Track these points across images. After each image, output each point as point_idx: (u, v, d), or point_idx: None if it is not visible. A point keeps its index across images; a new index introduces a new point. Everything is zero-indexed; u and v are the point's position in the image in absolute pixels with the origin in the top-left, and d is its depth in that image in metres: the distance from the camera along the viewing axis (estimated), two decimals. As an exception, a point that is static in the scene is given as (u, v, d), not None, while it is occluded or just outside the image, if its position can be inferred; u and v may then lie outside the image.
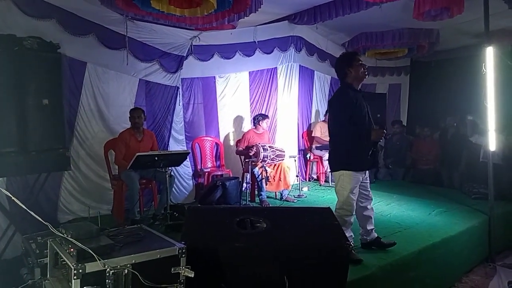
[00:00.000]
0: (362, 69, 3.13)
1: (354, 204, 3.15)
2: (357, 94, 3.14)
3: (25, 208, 1.82)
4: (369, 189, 3.33)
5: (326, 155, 6.34)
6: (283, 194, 5.31)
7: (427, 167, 6.74)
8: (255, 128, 5.45)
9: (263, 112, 5.93)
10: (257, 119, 5.41)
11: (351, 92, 3.12)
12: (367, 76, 3.22)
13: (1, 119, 2.99)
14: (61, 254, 1.93)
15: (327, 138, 6.43)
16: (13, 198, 1.81)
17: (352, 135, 3.06)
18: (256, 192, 5.23)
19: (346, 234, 3.09)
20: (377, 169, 6.86)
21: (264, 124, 5.41)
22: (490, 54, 4.17)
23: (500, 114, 4.28)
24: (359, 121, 3.07)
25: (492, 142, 4.27)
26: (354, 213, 3.19)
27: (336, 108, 3.16)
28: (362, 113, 3.09)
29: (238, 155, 5.50)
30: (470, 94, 5.77)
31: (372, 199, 3.37)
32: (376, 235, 3.35)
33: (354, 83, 3.17)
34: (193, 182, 5.50)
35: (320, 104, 7.24)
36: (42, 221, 1.86)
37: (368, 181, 3.31)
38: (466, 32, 6.13)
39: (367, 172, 3.27)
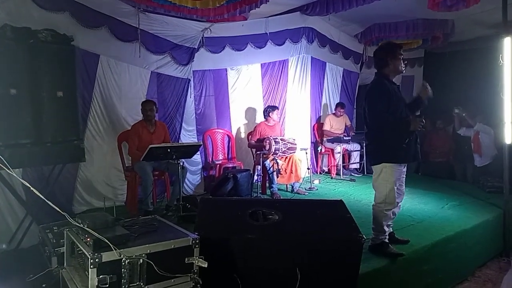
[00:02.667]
0: (403, 63, 3.05)
1: (396, 197, 3.06)
2: (393, 86, 3.06)
3: (44, 198, 1.85)
4: (404, 184, 3.21)
5: (337, 148, 6.33)
6: (294, 187, 5.31)
7: (440, 160, 6.67)
8: (266, 120, 5.44)
9: (276, 105, 5.92)
10: (267, 111, 5.41)
11: (388, 83, 3.03)
12: (404, 72, 3.16)
13: (16, 111, 3.04)
14: (78, 244, 1.97)
15: (337, 132, 6.54)
16: (32, 188, 1.84)
17: (391, 125, 2.96)
18: (267, 185, 5.24)
19: (386, 229, 3.08)
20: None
21: (275, 115, 5.39)
22: (507, 44, 4.07)
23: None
24: (397, 112, 2.97)
25: (509, 135, 4.19)
26: (396, 206, 3.12)
27: (373, 99, 3.01)
28: (399, 104, 3.01)
29: (249, 148, 5.50)
30: (486, 86, 5.67)
31: (404, 195, 3.26)
32: (390, 230, 3.30)
33: (390, 75, 3.08)
34: (201, 174, 5.52)
35: (332, 96, 7.19)
36: (60, 211, 1.89)
37: (405, 176, 3.20)
38: (483, 22, 6.00)
39: (405, 165, 3.17)
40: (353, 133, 6.54)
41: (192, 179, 5.37)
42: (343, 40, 6.87)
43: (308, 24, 6.15)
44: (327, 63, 6.92)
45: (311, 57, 6.53)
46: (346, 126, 6.73)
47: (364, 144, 6.05)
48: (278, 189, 5.20)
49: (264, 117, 5.49)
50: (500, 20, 4.15)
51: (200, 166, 5.50)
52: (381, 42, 6.47)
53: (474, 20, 5.91)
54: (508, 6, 4.06)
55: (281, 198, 4.95)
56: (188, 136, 5.36)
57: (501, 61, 4.07)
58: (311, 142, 6.76)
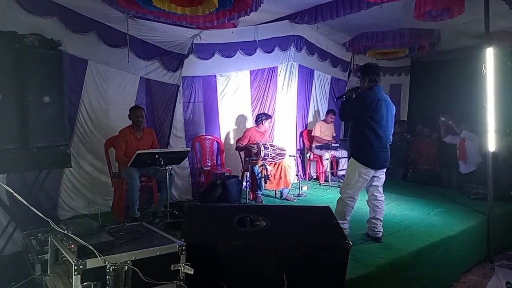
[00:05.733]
0: None
1: None
2: None
3: (28, 204, 1.83)
4: None
5: (326, 155, 6.37)
6: (283, 193, 5.32)
7: (427, 167, 6.76)
8: (257, 126, 5.46)
9: (265, 112, 5.94)
10: (260, 117, 5.43)
11: None
12: None
13: (2, 115, 2.99)
14: (62, 250, 1.94)
15: (327, 138, 6.58)
16: (15, 194, 1.82)
17: None
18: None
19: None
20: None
21: (267, 123, 5.43)
22: (490, 55, 4.17)
23: (499, 115, 4.29)
24: None
25: (492, 143, 4.27)
26: None
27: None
28: None
29: (238, 153, 5.51)
30: (470, 95, 5.77)
31: None
32: None
33: None
34: (189, 180, 5.50)
35: (320, 103, 7.25)
36: (44, 217, 1.87)
37: None
38: (467, 32, 6.13)
39: None
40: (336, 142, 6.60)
41: (179, 185, 5.35)
42: (331, 48, 6.96)
43: (297, 32, 6.21)
44: (315, 71, 6.99)
45: (299, 64, 6.59)
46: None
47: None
48: (267, 195, 5.20)
49: (256, 123, 5.51)
50: (483, 30, 4.25)
51: (188, 172, 5.48)
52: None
53: (459, 30, 6.03)
54: (490, 18, 4.17)
55: (263, 203, 4.96)
56: (177, 142, 5.34)
57: (484, 71, 4.16)
58: (297, 149, 6.79)
